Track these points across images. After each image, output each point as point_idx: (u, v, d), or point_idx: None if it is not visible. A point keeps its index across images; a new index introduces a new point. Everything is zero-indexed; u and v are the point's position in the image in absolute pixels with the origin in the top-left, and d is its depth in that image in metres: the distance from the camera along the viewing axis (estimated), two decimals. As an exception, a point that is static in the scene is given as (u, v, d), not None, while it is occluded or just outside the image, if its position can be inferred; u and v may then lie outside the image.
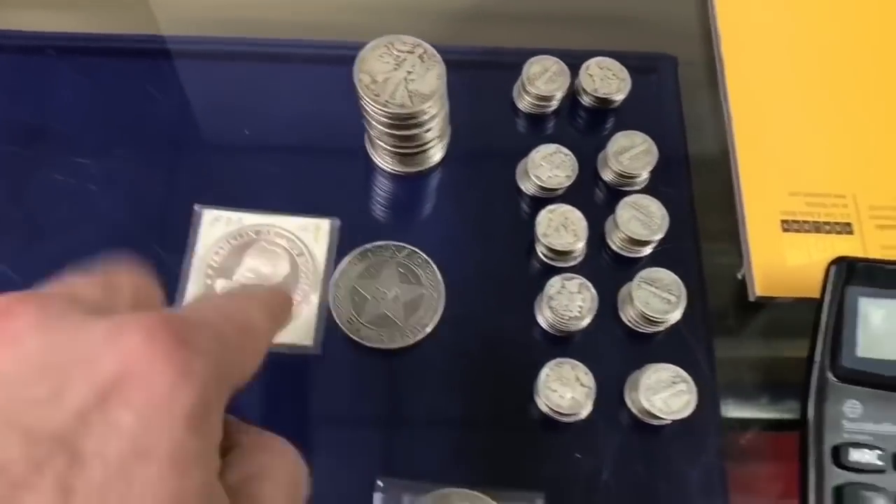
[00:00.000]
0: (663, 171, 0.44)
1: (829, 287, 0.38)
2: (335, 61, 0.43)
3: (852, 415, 0.36)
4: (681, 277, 0.40)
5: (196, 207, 0.42)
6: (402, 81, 0.39)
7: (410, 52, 0.39)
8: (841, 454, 0.36)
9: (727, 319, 0.41)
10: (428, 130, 0.41)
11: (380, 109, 0.39)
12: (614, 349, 0.40)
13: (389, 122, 0.40)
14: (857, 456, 0.36)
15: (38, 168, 0.43)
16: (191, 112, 0.45)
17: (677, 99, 0.46)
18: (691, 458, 0.38)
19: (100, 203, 0.42)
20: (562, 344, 0.40)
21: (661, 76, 0.47)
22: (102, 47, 0.47)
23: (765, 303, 0.41)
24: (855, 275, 0.38)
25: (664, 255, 0.42)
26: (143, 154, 0.44)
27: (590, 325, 0.40)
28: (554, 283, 0.39)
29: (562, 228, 0.41)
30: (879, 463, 0.36)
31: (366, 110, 0.40)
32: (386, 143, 0.42)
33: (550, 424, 0.38)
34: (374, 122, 0.40)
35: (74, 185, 0.43)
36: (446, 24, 0.49)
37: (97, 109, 0.44)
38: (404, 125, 0.40)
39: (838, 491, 0.35)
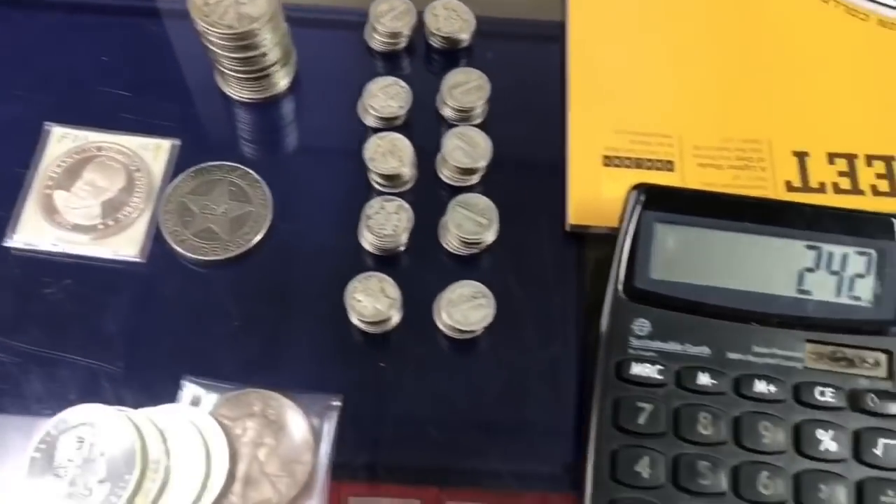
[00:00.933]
0: (501, 108, 0.45)
1: (628, 211, 0.39)
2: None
3: (641, 332, 0.38)
4: (504, 205, 0.42)
5: (45, 125, 0.44)
6: (232, 3, 0.41)
7: (242, -24, 0.41)
8: (623, 368, 0.37)
9: (543, 247, 0.42)
10: (263, 56, 0.43)
11: (209, 30, 0.41)
12: (432, 269, 0.41)
13: (222, 43, 0.41)
14: (638, 370, 0.37)
15: None
16: (47, 36, 0.47)
17: (522, 46, 0.48)
18: (490, 370, 0.39)
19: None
20: (384, 263, 0.41)
21: (508, 27, 0.49)
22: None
23: (583, 233, 0.42)
24: (652, 200, 0.39)
25: (490, 184, 0.43)
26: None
27: (413, 247, 0.41)
28: (373, 204, 0.41)
29: (388, 154, 0.42)
30: (660, 377, 0.37)
31: (199, 32, 0.41)
32: (226, 68, 0.43)
33: (359, 335, 0.40)
34: (209, 46, 0.42)
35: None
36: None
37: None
38: (237, 47, 0.42)
39: (617, 402, 0.37)
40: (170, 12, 0.48)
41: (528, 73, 0.47)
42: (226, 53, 0.42)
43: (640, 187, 0.39)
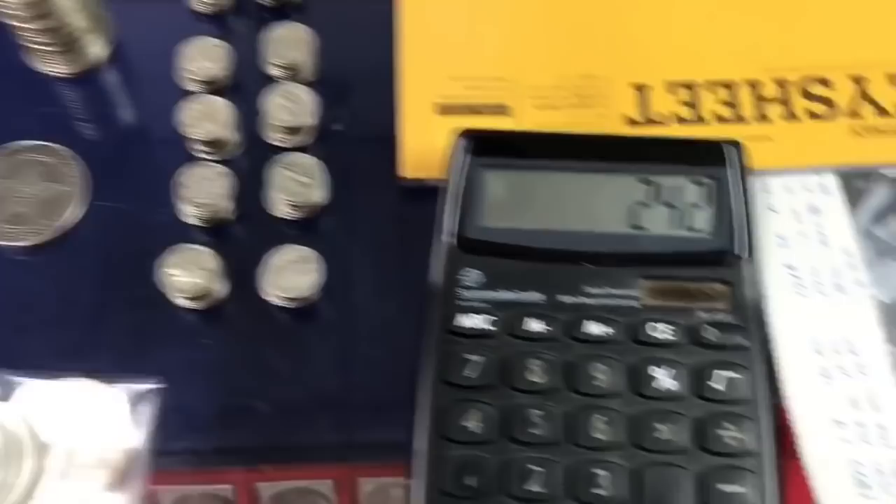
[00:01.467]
0: (332, 63, 0.43)
1: (453, 159, 0.37)
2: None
3: (472, 283, 0.36)
4: (338, 164, 0.40)
5: None
6: (23, -31, 0.38)
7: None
8: (452, 320, 0.35)
9: (378, 204, 0.40)
10: (67, 23, 0.40)
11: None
12: (260, 237, 0.39)
13: (16, 14, 0.39)
14: (466, 321, 0.35)
15: None
16: None
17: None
18: (325, 338, 0.37)
19: None
20: (210, 235, 0.39)
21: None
22: None
23: (419, 187, 0.40)
24: (478, 146, 0.37)
25: (322, 143, 0.41)
26: None
27: (240, 215, 0.39)
28: (188, 172, 0.39)
29: (205, 119, 0.40)
30: (489, 327, 0.35)
31: (-8, 5, 0.39)
32: (29, 41, 0.41)
33: (183, 312, 0.38)
34: (5, 19, 0.39)
35: None
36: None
37: None
38: (32, 17, 0.39)
39: (445, 355, 0.35)
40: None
41: (361, 27, 0.45)
42: (24, 25, 0.39)
43: (465, 133, 0.38)
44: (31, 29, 0.40)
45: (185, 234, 0.39)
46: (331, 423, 0.36)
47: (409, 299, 0.38)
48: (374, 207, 0.40)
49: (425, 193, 0.40)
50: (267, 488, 0.35)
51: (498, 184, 0.37)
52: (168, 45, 0.44)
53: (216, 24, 0.45)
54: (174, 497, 0.35)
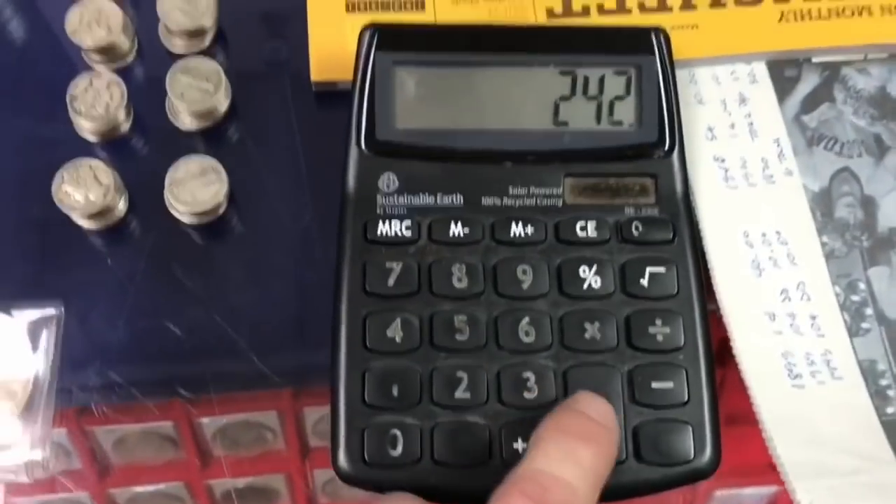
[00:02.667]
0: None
1: (361, 56, 0.35)
2: None
3: (389, 189, 0.34)
4: (243, 69, 0.37)
5: None
6: None
7: None
8: (370, 229, 0.33)
9: (287, 110, 0.38)
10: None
11: None
12: (163, 149, 0.37)
13: None
14: (385, 228, 0.34)
15: None
16: None
17: None
18: (235, 254, 0.35)
19: None
20: (107, 150, 0.37)
21: None
22: None
23: (331, 91, 0.38)
24: (387, 41, 0.35)
25: (227, 48, 0.38)
26: None
27: (139, 128, 0.37)
28: (79, 82, 0.36)
29: (94, 24, 0.37)
30: (409, 234, 0.33)
31: None
32: None
33: (81, 232, 0.35)
34: None
35: None
36: None
37: None
38: None
39: (366, 265, 0.33)
40: None
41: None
42: None
43: (371, 27, 0.35)
44: None
45: (82, 149, 0.37)
46: (248, 345, 0.34)
47: (323, 209, 0.35)
48: (281, 113, 0.38)
49: (337, 97, 0.38)
50: (209, 424, 0.34)
51: (410, 81, 0.35)
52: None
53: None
54: (114, 438, 0.33)
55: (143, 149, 0.37)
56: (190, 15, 0.37)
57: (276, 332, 0.35)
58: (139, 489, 0.34)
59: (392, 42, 0.35)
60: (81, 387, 0.33)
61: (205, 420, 0.34)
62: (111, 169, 0.35)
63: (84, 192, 0.34)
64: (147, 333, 0.34)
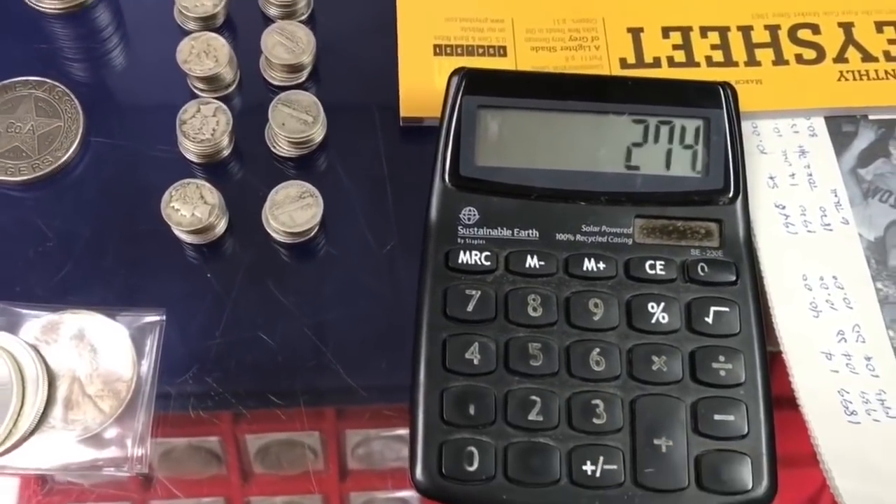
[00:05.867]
0: (327, 2, 0.43)
1: (450, 97, 0.38)
2: None
3: (469, 221, 0.37)
4: (336, 102, 0.40)
5: None
6: None
7: None
8: (452, 257, 0.36)
9: (377, 142, 0.41)
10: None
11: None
12: (261, 173, 0.40)
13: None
14: (466, 258, 0.36)
15: None
16: None
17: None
18: (325, 273, 0.38)
19: None
20: (207, 171, 0.39)
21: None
22: None
23: (417, 126, 0.41)
24: (474, 85, 0.38)
25: (321, 82, 0.41)
26: None
27: (239, 152, 0.39)
28: (188, 108, 0.39)
29: (203, 55, 0.40)
30: (488, 264, 0.36)
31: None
32: (22, -25, 0.40)
33: (185, 247, 0.38)
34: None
35: None
36: None
37: None
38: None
39: (447, 291, 0.36)
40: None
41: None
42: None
43: (461, 72, 0.38)
44: (27, -37, 0.39)
45: (186, 170, 0.40)
46: (336, 359, 0.37)
47: (405, 234, 0.38)
48: (370, 144, 0.41)
49: (422, 132, 0.40)
50: (254, 440, 0.36)
51: (493, 122, 0.38)
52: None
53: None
54: (162, 450, 0.35)
55: (243, 172, 0.40)
56: (292, 51, 0.40)
57: (360, 348, 0.37)
58: (180, 502, 0.35)
59: (478, 86, 0.38)
60: (178, 391, 0.35)
61: (249, 437, 0.36)
62: (214, 189, 0.37)
63: (191, 209, 0.37)
64: (241, 343, 0.36)
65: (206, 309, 0.37)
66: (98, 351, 0.35)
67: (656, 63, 0.42)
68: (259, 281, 0.38)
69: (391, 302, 0.38)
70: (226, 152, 0.39)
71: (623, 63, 0.42)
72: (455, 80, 0.38)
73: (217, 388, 0.36)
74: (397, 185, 0.40)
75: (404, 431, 0.34)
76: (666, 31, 0.43)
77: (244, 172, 0.40)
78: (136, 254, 0.38)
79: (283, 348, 0.36)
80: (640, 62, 0.42)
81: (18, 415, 0.34)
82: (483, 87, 0.38)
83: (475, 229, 0.36)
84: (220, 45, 0.40)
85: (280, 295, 0.38)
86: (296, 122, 0.39)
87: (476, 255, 0.36)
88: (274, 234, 0.38)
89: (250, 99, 0.41)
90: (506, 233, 0.37)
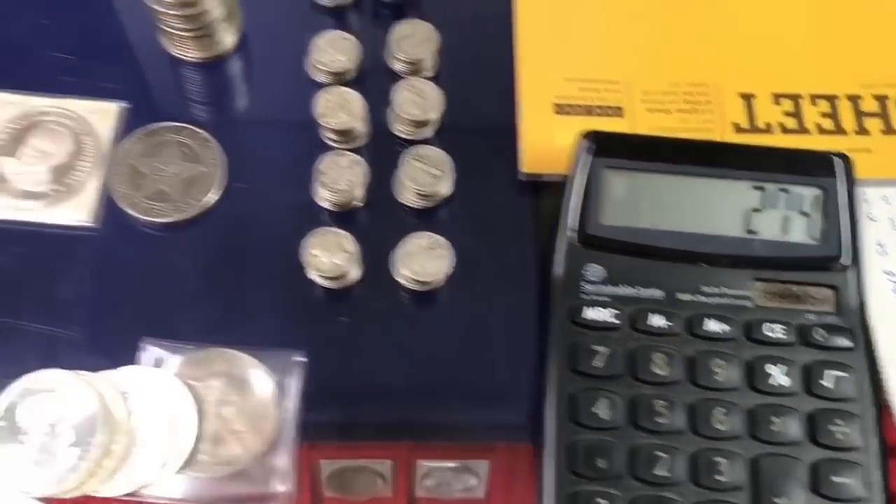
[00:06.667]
0: (451, 59, 0.45)
1: (577, 158, 0.40)
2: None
3: (593, 278, 0.38)
4: (459, 156, 0.42)
5: (-12, 90, 0.43)
6: (172, -40, 0.40)
7: (183, -67, 0.40)
8: (577, 312, 0.38)
9: (499, 196, 0.43)
10: (207, 11, 0.42)
11: (151, -13, 0.40)
12: (390, 223, 0.42)
13: (164, 1, 0.40)
14: (592, 314, 0.38)
15: None
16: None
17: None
18: (451, 321, 0.40)
19: None
20: (340, 219, 0.42)
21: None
22: None
23: (538, 182, 0.43)
24: (601, 146, 0.40)
25: (444, 136, 0.43)
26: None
27: (369, 201, 0.41)
28: (325, 160, 0.41)
29: (339, 109, 0.42)
30: (614, 321, 0.38)
31: (142, -9, 0.41)
32: (169, 27, 0.43)
33: (320, 291, 0.40)
34: (151, 4, 0.41)
35: None
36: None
37: None
38: (179, 4, 0.41)
39: (573, 346, 0.37)
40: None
41: (477, 23, 0.47)
42: (169, 11, 0.41)
43: (588, 134, 0.40)
44: (174, 15, 0.42)
45: (318, 217, 0.42)
46: (461, 403, 0.38)
47: (529, 286, 0.40)
48: (493, 199, 0.43)
49: (543, 187, 0.42)
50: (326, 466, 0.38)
51: (618, 183, 0.39)
52: (292, 36, 0.46)
53: (336, 17, 0.47)
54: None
55: (371, 220, 0.42)
56: (421, 107, 0.42)
57: (482, 393, 0.39)
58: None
59: (605, 147, 0.40)
60: (311, 422, 0.37)
61: (323, 462, 0.38)
62: (352, 237, 0.39)
63: (330, 256, 0.39)
64: (373, 383, 0.38)
65: (341, 352, 0.39)
66: (243, 389, 0.37)
67: (768, 129, 0.44)
68: (388, 325, 0.40)
69: (513, 351, 0.39)
70: (357, 201, 0.41)
71: (736, 128, 0.44)
72: (583, 141, 0.40)
73: (355, 424, 0.37)
74: (518, 237, 0.42)
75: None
76: (777, 98, 0.45)
77: (372, 221, 0.42)
78: (274, 296, 0.40)
79: (411, 389, 0.38)
80: (752, 127, 0.44)
81: (172, 448, 0.35)
82: (610, 148, 0.40)
83: (600, 286, 0.38)
84: (354, 99, 0.42)
85: (407, 339, 0.39)
86: (426, 176, 0.41)
87: (602, 311, 0.38)
88: (403, 282, 0.40)
89: (378, 150, 0.43)
90: (630, 291, 0.38)
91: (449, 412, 0.39)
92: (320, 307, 0.40)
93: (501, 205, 0.43)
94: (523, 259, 0.41)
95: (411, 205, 0.42)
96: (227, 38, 0.44)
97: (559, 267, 0.39)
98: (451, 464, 0.38)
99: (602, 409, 0.36)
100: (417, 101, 0.42)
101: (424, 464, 0.38)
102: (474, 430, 0.38)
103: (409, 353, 0.39)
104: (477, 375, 0.39)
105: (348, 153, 0.41)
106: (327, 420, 0.38)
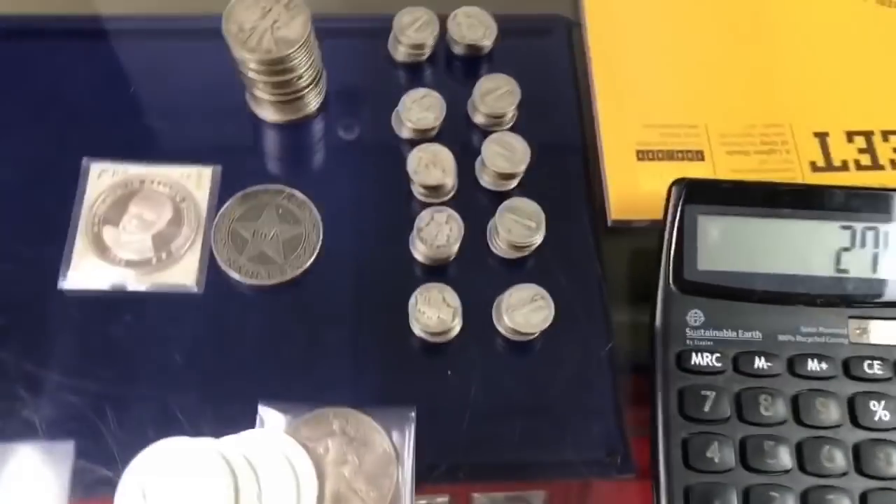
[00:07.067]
0: (530, 111, 0.46)
1: (671, 206, 0.41)
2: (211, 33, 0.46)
3: (695, 323, 0.40)
4: (545, 206, 0.43)
5: (84, 161, 0.44)
6: (268, 29, 0.41)
7: (276, 2, 0.41)
8: (683, 359, 0.39)
9: (587, 243, 0.44)
10: (299, 78, 0.43)
11: (249, 57, 0.41)
12: (485, 275, 0.43)
13: (259, 68, 0.42)
14: (697, 360, 0.39)
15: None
16: (76, 75, 0.47)
17: (543, 46, 0.49)
18: (550, 368, 0.41)
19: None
20: (437, 273, 0.43)
21: (527, 26, 0.50)
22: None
23: (623, 227, 0.44)
24: (694, 194, 0.41)
25: (531, 187, 0.45)
26: (31, 116, 0.45)
27: (463, 254, 0.43)
28: (423, 216, 0.42)
29: (431, 165, 0.43)
30: (718, 365, 0.39)
31: (237, 60, 0.42)
32: (261, 92, 0.44)
33: (424, 346, 0.41)
34: (246, 71, 0.43)
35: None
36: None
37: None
38: (274, 71, 0.42)
39: (682, 392, 0.38)
40: (193, 36, 0.49)
41: (550, 73, 0.49)
42: (263, 78, 0.42)
43: (680, 182, 0.41)
44: (269, 82, 0.43)
45: (415, 271, 0.43)
46: (566, 444, 0.40)
47: (623, 329, 0.42)
48: (583, 246, 0.44)
49: (632, 232, 0.44)
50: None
51: (713, 229, 0.41)
52: (372, 91, 0.48)
53: (412, 71, 0.48)
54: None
55: (468, 272, 0.43)
56: (510, 160, 0.44)
57: (587, 438, 0.40)
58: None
59: (696, 194, 0.41)
60: (426, 475, 0.38)
61: (476, 495, 0.40)
62: (454, 292, 0.40)
63: (436, 311, 0.40)
64: (483, 433, 0.39)
65: (449, 404, 0.40)
66: (361, 447, 0.38)
67: (844, 166, 0.45)
68: (492, 376, 0.41)
69: (613, 395, 0.40)
70: (454, 254, 0.42)
71: (813, 166, 0.45)
72: (675, 189, 0.41)
73: (469, 475, 0.38)
74: (611, 283, 0.43)
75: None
76: (850, 136, 0.46)
77: (467, 272, 0.43)
78: (380, 352, 0.41)
79: (523, 438, 0.39)
80: (829, 165, 0.45)
81: (298, 510, 0.36)
82: (701, 195, 0.41)
83: (702, 331, 0.39)
84: (446, 156, 0.43)
85: (513, 389, 0.40)
86: (521, 227, 0.42)
87: (707, 356, 0.39)
88: (504, 333, 0.41)
89: (467, 203, 0.44)
90: (730, 334, 0.39)
91: (556, 451, 0.40)
92: (424, 361, 0.41)
93: (591, 251, 0.44)
94: (615, 302, 0.42)
95: (504, 255, 0.43)
96: (314, 101, 0.46)
97: (660, 314, 0.40)
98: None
99: (714, 453, 0.37)
100: (506, 155, 0.44)
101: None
102: (580, 469, 0.39)
103: (515, 401, 0.40)
104: (579, 417, 0.40)
105: (445, 208, 0.42)
106: (442, 470, 0.38)
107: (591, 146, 0.46)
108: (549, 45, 0.50)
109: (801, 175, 0.45)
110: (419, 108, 0.45)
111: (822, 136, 0.46)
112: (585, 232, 0.44)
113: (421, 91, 0.45)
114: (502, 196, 0.44)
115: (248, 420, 0.39)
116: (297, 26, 0.41)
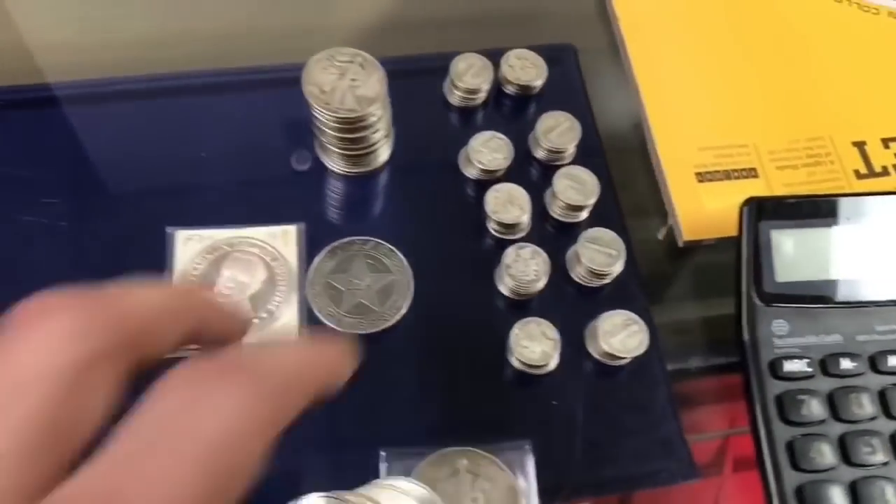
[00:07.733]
0: (583, 144, 0.49)
1: (745, 224, 0.44)
2: (276, 83, 0.47)
3: (780, 332, 0.42)
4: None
5: (168, 230, 0.45)
6: (348, 88, 0.43)
7: (350, 62, 0.43)
8: (776, 367, 0.41)
9: (660, 265, 0.46)
10: (376, 132, 0.45)
11: (331, 115, 0.43)
12: (569, 304, 0.45)
13: (340, 126, 0.43)
14: (789, 367, 0.42)
15: (5, 212, 0.45)
16: (150, 144, 0.48)
17: (581, 80, 0.51)
18: (649, 390, 0.43)
19: (74, 239, 0.45)
20: (523, 307, 0.45)
21: (566, 61, 0.53)
22: (48, 97, 0.49)
23: (691, 246, 0.47)
24: (765, 211, 0.44)
25: (596, 217, 0.47)
26: (109, 188, 0.46)
27: (545, 286, 0.45)
28: (509, 253, 0.44)
29: (508, 204, 0.45)
30: (808, 370, 0.42)
31: (318, 119, 0.43)
32: (337, 147, 0.45)
33: (525, 379, 0.43)
34: (325, 129, 0.44)
35: (46, 225, 0.45)
36: (371, 37, 0.53)
37: (57, 151, 0.47)
38: (354, 128, 0.44)
39: (780, 399, 0.41)
40: (256, 90, 0.50)
41: (601, 106, 0.51)
42: (341, 135, 0.44)
43: (751, 202, 0.44)
44: (347, 139, 0.45)
45: (501, 307, 0.45)
46: (676, 456, 0.42)
47: (714, 352, 0.44)
48: (659, 269, 0.46)
49: (701, 251, 0.46)
50: None
51: (786, 242, 0.43)
52: (433, 135, 0.50)
53: (467, 114, 0.51)
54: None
55: (555, 304, 0.45)
56: (581, 192, 0.46)
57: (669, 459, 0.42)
58: None
59: (766, 212, 0.44)
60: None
61: None
62: (552, 325, 0.43)
63: (539, 345, 0.42)
64: (595, 455, 0.41)
65: (561, 433, 0.42)
66: (486, 484, 0.40)
67: (885, 172, 0.49)
68: (595, 401, 0.43)
69: (700, 409, 0.43)
70: (540, 288, 0.44)
71: (857, 174, 0.49)
72: (747, 209, 0.44)
73: (589, 495, 0.40)
74: (691, 302, 0.45)
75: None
76: (886, 142, 0.49)
77: (553, 304, 0.45)
78: (484, 388, 0.43)
79: (637, 460, 0.41)
80: (871, 172, 0.49)
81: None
82: (771, 211, 0.44)
83: (788, 339, 0.42)
84: (520, 194, 0.46)
85: (616, 413, 0.43)
86: (603, 256, 0.44)
87: (797, 362, 0.42)
88: (600, 359, 0.43)
89: (541, 237, 0.46)
90: (814, 339, 0.42)
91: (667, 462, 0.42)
92: (530, 394, 0.43)
93: (666, 273, 0.46)
94: (702, 321, 0.45)
95: (586, 284, 0.45)
96: (384, 153, 0.47)
97: (747, 327, 0.43)
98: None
99: (818, 453, 0.40)
100: (576, 188, 0.46)
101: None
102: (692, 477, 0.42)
103: (621, 424, 0.42)
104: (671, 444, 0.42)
105: (528, 245, 0.44)
106: (563, 495, 0.40)
107: (642, 171, 0.48)
108: (566, 75, 0.52)
109: (848, 183, 0.48)
110: (489, 150, 0.47)
111: (860, 145, 0.49)
112: (656, 255, 0.46)
113: (487, 134, 0.47)
114: (572, 227, 0.46)
115: (372, 468, 0.40)
116: (375, 84, 0.43)
